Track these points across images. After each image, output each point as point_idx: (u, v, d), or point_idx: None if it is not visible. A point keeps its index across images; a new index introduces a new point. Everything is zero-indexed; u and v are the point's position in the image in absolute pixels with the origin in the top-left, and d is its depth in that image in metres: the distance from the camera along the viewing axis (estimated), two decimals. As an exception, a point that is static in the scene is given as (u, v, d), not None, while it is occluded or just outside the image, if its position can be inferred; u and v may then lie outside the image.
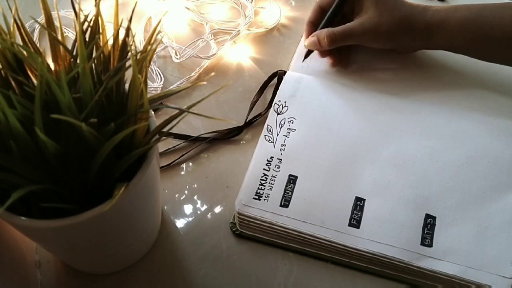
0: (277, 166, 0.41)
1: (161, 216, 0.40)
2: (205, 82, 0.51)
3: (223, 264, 0.39)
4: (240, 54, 0.54)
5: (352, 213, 0.38)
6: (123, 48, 0.29)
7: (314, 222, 0.38)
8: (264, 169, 0.41)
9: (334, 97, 0.46)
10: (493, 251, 0.36)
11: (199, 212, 0.42)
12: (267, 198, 0.39)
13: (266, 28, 0.56)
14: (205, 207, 0.42)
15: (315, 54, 0.50)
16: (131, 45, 0.27)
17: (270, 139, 0.43)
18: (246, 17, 0.56)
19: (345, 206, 0.39)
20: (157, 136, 0.29)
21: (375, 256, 0.37)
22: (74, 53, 0.29)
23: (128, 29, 0.28)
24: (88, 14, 0.28)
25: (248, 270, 0.38)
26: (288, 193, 0.40)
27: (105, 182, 0.28)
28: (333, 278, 0.38)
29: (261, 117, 0.48)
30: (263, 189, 0.40)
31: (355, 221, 0.38)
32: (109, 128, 0.26)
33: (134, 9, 0.30)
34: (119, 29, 0.29)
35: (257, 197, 0.39)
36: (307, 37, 0.50)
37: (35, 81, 0.29)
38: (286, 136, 0.43)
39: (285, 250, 0.39)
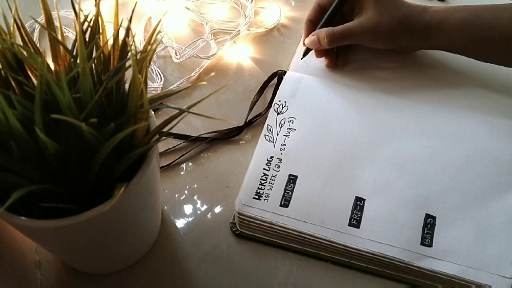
0: (277, 165, 0.41)
1: (161, 216, 0.40)
2: (205, 82, 0.51)
3: (223, 264, 0.39)
4: (240, 54, 0.54)
5: (352, 213, 0.38)
6: (123, 48, 0.29)
7: (314, 222, 0.38)
8: (264, 169, 0.41)
9: (334, 96, 0.46)
10: (493, 251, 0.36)
11: (199, 212, 0.42)
12: (267, 198, 0.39)
13: (266, 28, 0.56)
14: (205, 207, 0.42)
15: (313, 54, 0.50)
16: (131, 45, 0.27)
17: (270, 139, 0.43)
18: (246, 17, 0.56)
19: (345, 206, 0.39)
20: (157, 136, 0.29)
21: (375, 256, 0.37)
22: (74, 53, 0.29)
23: (128, 29, 0.28)
24: (88, 14, 0.28)
25: (248, 270, 0.38)
26: (288, 193, 0.40)
27: (105, 182, 0.28)
28: (333, 278, 0.38)
29: (261, 117, 0.48)
30: (263, 189, 0.40)
31: (355, 221, 0.38)
32: (109, 128, 0.26)
33: (134, 9, 0.30)
34: (119, 29, 0.29)
35: (257, 196, 0.39)
36: (306, 35, 0.50)
37: (35, 81, 0.29)
38: (286, 135, 0.43)
39: (285, 250, 0.40)
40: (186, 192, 0.43)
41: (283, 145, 0.42)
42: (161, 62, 0.53)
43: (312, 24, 0.50)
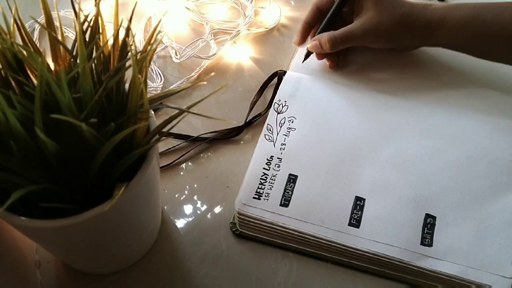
0: (277, 165, 0.41)
1: (161, 216, 0.40)
2: (205, 82, 0.51)
3: (223, 264, 0.39)
4: (240, 54, 0.54)
5: (352, 212, 0.38)
6: (123, 48, 0.29)
7: (314, 221, 0.38)
8: (264, 168, 0.41)
9: (334, 96, 0.46)
10: (493, 251, 0.36)
11: (199, 212, 0.42)
12: (267, 198, 0.39)
13: (266, 28, 0.56)
14: (205, 207, 0.42)
15: (314, 55, 0.50)
16: (131, 45, 0.27)
17: (270, 138, 0.43)
18: (246, 17, 0.56)
19: (345, 206, 0.39)
20: (157, 136, 0.29)
21: (375, 256, 0.37)
22: (74, 53, 0.29)
23: (128, 29, 0.28)
24: (88, 14, 0.28)
25: (248, 270, 0.38)
26: (288, 192, 0.40)
27: (105, 182, 0.28)
28: (333, 278, 0.38)
29: (261, 117, 0.48)
30: (263, 189, 0.40)
31: (355, 221, 0.38)
32: (109, 128, 0.26)
33: (134, 9, 0.30)
34: (119, 29, 0.29)
35: (257, 196, 0.39)
36: (300, 36, 0.50)
37: (35, 81, 0.29)
38: (286, 135, 0.43)
39: (285, 250, 0.40)
40: (186, 192, 0.43)
41: (283, 144, 0.42)
42: (161, 62, 0.53)
43: (309, 27, 0.50)
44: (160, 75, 0.51)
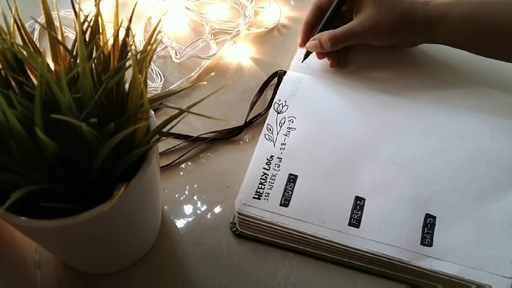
0: (277, 165, 0.41)
1: (161, 216, 0.40)
2: (205, 82, 0.51)
3: (223, 264, 0.39)
4: (240, 54, 0.54)
5: (352, 212, 0.38)
6: (123, 48, 0.29)
7: (314, 221, 0.38)
8: (264, 168, 0.41)
9: (334, 96, 0.46)
10: (493, 251, 0.36)
11: (199, 212, 0.42)
12: (267, 198, 0.39)
13: (266, 28, 0.56)
14: (205, 207, 0.42)
15: (314, 54, 0.50)
16: (131, 45, 0.27)
17: (270, 138, 0.43)
18: (246, 17, 0.56)
19: (345, 206, 0.39)
20: (157, 136, 0.29)
21: (375, 256, 0.37)
22: (74, 53, 0.29)
23: (128, 29, 0.28)
24: (88, 14, 0.28)
25: (248, 270, 0.39)
26: (288, 192, 0.40)
27: (105, 182, 0.28)
28: (333, 278, 0.38)
29: (261, 117, 0.48)
30: (263, 188, 0.40)
31: (355, 221, 0.38)
32: (109, 128, 0.26)
33: (134, 9, 0.30)
34: (119, 29, 0.29)
35: (257, 196, 0.39)
36: (303, 38, 0.50)
37: (35, 81, 0.29)
38: (286, 135, 0.43)
39: (285, 250, 0.40)
40: (186, 192, 0.43)
41: (283, 144, 0.42)
42: (161, 62, 0.53)
43: (311, 27, 0.50)
44: (160, 75, 0.51)
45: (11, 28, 0.28)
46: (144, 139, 0.28)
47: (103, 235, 0.31)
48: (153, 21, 0.57)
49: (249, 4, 0.57)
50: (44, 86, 0.24)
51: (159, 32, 0.33)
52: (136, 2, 0.36)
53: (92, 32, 0.29)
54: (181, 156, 0.45)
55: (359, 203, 0.39)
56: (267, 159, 0.42)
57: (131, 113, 0.27)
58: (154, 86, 0.50)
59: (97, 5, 0.28)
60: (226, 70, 0.52)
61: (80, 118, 0.25)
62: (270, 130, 0.44)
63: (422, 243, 0.37)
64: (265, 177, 0.40)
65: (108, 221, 0.29)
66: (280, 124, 0.44)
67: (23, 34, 0.29)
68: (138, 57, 0.27)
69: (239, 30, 0.54)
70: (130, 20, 0.29)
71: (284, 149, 0.42)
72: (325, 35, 0.46)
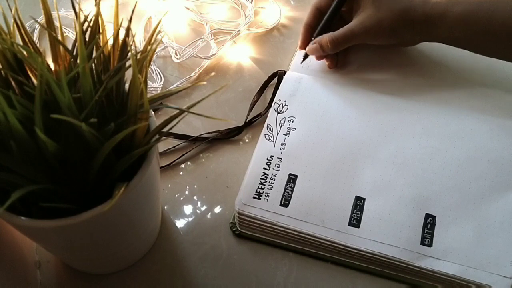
0: (277, 165, 0.41)
1: (161, 216, 0.40)
2: (205, 82, 0.51)
3: (223, 264, 0.39)
4: (240, 54, 0.54)
5: (352, 212, 0.38)
6: (123, 48, 0.29)
7: (314, 221, 0.38)
8: (264, 168, 0.41)
9: (334, 96, 0.46)
10: (493, 250, 0.36)
11: (199, 212, 0.42)
12: (267, 197, 0.39)
13: (266, 28, 0.56)
14: (205, 207, 0.42)
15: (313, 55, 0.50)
16: (131, 45, 0.27)
17: (270, 138, 0.43)
18: (246, 17, 0.56)
19: (345, 206, 0.39)
20: (157, 136, 0.29)
21: (375, 256, 0.37)
22: (74, 53, 0.29)
23: (128, 29, 0.28)
24: (88, 14, 0.28)
25: (248, 270, 0.38)
26: (288, 192, 0.40)
27: (105, 182, 0.28)
28: (333, 278, 0.38)
29: (261, 117, 0.48)
30: (263, 188, 0.40)
31: (355, 221, 0.38)
32: (109, 128, 0.26)
33: (134, 9, 0.30)
34: (119, 29, 0.29)
35: (257, 196, 0.39)
36: (303, 40, 0.50)
37: (35, 81, 0.29)
38: (286, 135, 0.43)
39: (285, 250, 0.40)
40: (186, 192, 0.43)
41: (283, 144, 0.42)
42: (161, 62, 0.53)
43: (311, 29, 0.50)
44: (160, 75, 0.51)
45: (11, 28, 0.28)
46: (144, 139, 0.28)
47: (103, 235, 0.31)
48: (153, 21, 0.57)
49: (249, 4, 0.57)
50: (44, 86, 0.24)
51: (159, 32, 0.33)
52: (136, 2, 0.36)
53: (92, 32, 0.29)
54: (181, 156, 0.45)
55: (359, 203, 0.39)
56: (267, 159, 0.42)
57: (131, 113, 0.27)
58: (154, 86, 0.50)
59: (97, 5, 0.28)
60: (226, 70, 0.52)
61: (80, 118, 0.25)
62: (270, 130, 0.44)
63: (422, 243, 0.37)
64: (265, 177, 0.40)
65: (108, 221, 0.29)
66: (280, 124, 0.44)
67: (23, 34, 0.29)
68: (138, 57, 0.27)
69: (239, 30, 0.54)
70: (130, 20, 0.29)
71: (284, 149, 0.42)
72: (325, 37, 0.46)
